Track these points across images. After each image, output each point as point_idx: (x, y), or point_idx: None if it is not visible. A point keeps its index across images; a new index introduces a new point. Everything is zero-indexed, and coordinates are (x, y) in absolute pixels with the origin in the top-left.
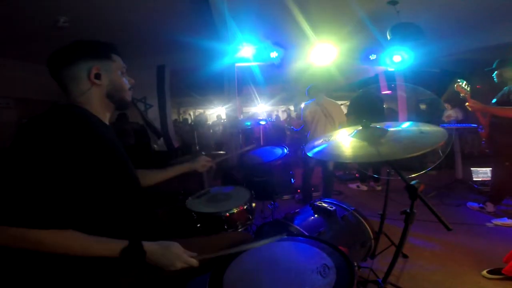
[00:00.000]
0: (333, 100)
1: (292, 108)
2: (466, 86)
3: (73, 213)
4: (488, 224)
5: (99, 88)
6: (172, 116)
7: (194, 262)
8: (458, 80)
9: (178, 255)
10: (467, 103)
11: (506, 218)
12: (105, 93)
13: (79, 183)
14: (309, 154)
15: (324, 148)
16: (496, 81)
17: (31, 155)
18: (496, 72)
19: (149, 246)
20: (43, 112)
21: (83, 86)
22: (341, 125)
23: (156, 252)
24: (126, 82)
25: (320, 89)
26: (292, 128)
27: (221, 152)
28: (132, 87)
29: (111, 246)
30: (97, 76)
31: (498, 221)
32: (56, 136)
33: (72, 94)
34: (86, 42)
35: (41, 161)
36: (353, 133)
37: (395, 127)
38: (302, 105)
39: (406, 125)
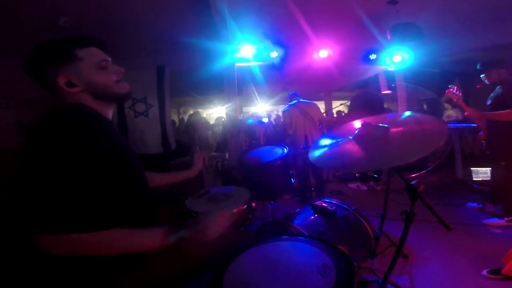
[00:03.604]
0: (309, 101)
1: None
2: (458, 91)
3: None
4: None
5: (83, 93)
6: (172, 116)
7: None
8: (449, 86)
9: (213, 222)
10: (465, 113)
11: (496, 219)
12: (92, 95)
13: (99, 182)
14: (311, 159)
15: (325, 154)
16: (487, 83)
17: (62, 158)
18: (484, 74)
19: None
20: (52, 114)
21: (68, 95)
22: (321, 122)
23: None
24: (107, 75)
25: (296, 95)
26: (281, 130)
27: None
28: (119, 77)
29: (154, 234)
30: (70, 84)
31: (489, 222)
32: (76, 137)
33: (65, 101)
34: (43, 47)
35: (72, 162)
36: (353, 134)
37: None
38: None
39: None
